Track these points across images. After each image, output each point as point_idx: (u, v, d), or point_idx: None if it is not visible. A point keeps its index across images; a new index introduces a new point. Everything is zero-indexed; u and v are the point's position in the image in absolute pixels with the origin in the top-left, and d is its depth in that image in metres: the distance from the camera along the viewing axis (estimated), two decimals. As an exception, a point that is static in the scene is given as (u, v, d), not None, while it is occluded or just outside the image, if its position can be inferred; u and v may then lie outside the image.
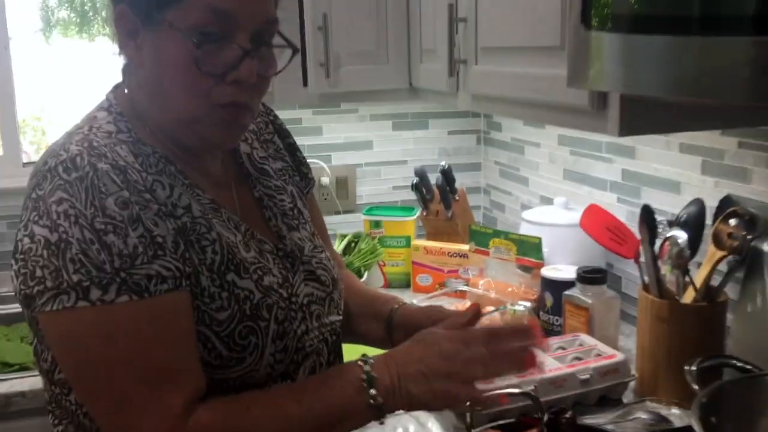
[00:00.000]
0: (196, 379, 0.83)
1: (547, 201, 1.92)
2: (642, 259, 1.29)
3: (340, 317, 1.03)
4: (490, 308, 1.62)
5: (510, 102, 1.36)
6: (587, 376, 1.25)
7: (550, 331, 1.53)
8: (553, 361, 1.28)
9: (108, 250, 0.77)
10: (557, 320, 1.52)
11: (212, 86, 0.85)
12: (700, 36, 0.79)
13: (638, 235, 1.31)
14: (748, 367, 0.93)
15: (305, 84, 1.77)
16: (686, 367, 0.93)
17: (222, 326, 0.85)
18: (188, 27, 0.83)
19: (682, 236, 1.19)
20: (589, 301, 1.41)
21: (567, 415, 0.99)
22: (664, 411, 1.24)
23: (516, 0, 1.26)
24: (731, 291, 1.25)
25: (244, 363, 0.87)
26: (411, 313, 1.06)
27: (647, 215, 1.24)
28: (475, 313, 0.96)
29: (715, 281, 1.25)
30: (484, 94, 1.45)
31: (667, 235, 1.21)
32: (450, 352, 0.87)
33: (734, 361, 0.95)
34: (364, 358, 0.87)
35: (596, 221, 1.36)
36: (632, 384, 1.31)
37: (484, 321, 1.57)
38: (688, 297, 1.25)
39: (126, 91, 0.92)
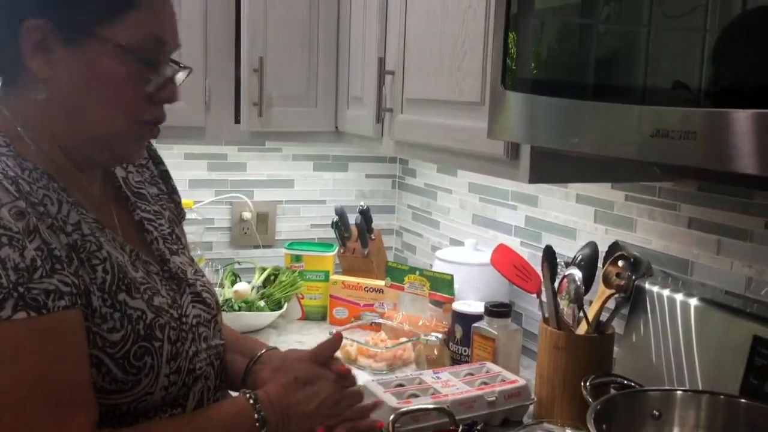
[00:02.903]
0: (95, 404, 0.81)
1: (456, 243, 2.07)
2: (543, 294, 1.45)
3: (223, 342, 1.03)
4: (404, 339, 1.74)
5: (432, 149, 1.51)
6: (493, 398, 1.38)
7: (459, 360, 1.66)
8: (463, 385, 1.41)
9: (2, 264, 0.72)
10: (465, 350, 1.65)
11: (144, 105, 0.87)
12: (592, 101, 0.96)
13: (540, 273, 1.47)
14: (632, 384, 1.08)
15: (237, 121, 1.87)
16: (582, 383, 1.07)
17: (116, 348, 0.83)
18: (128, 45, 0.84)
19: (578, 274, 1.35)
20: (495, 333, 1.56)
21: (478, 428, 1.12)
22: (558, 431, 1.38)
23: (441, 58, 1.42)
24: (617, 325, 1.43)
25: (140, 386, 0.85)
26: (275, 354, 1.09)
27: (549, 255, 1.40)
28: (336, 341, 1.05)
29: (604, 316, 1.43)
30: (407, 140, 1.59)
31: (566, 273, 1.38)
32: (332, 397, 0.96)
33: (620, 379, 1.11)
34: (251, 395, 0.91)
35: (504, 259, 1.52)
36: (531, 408, 1.46)
37: (398, 351, 1.69)
38: (581, 329, 1.41)
39: (4, 105, 0.87)
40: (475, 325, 1.60)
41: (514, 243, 1.83)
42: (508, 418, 1.41)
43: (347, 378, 1.01)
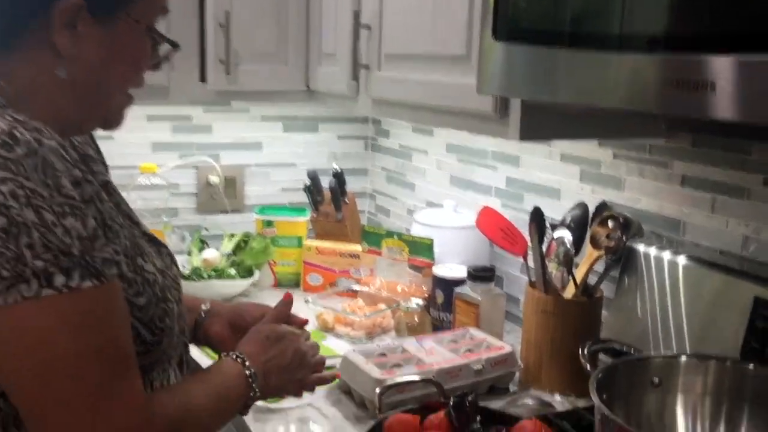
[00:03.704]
0: (138, 367, 0.83)
1: (433, 206, 2.01)
2: (530, 257, 1.40)
3: None
4: (382, 306, 1.68)
5: (412, 107, 1.43)
6: (480, 366, 1.33)
7: (440, 326, 1.61)
8: (448, 353, 1.36)
9: (69, 234, 0.72)
10: (447, 316, 1.60)
11: (142, 77, 0.88)
12: (595, 50, 0.89)
13: (527, 236, 1.41)
14: (630, 350, 1.04)
15: (203, 80, 1.76)
16: (580, 350, 1.02)
17: (143, 311, 0.85)
18: (150, 24, 0.86)
19: (567, 236, 1.30)
20: (479, 298, 1.50)
21: (470, 399, 1.06)
22: (547, 397, 1.34)
23: (422, 10, 1.34)
24: (606, 288, 1.38)
25: (161, 347, 0.88)
26: (224, 308, 1.17)
27: (537, 217, 1.35)
28: (288, 302, 1.13)
29: (592, 279, 1.38)
30: (385, 99, 1.51)
31: (554, 235, 1.32)
32: (301, 349, 1.04)
33: (618, 345, 1.06)
34: (237, 356, 0.97)
35: (490, 222, 1.45)
36: (517, 374, 1.41)
37: (377, 319, 1.63)
38: (569, 293, 1.36)
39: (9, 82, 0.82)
40: (457, 290, 1.55)
41: (494, 204, 1.77)
42: (494, 385, 1.37)
43: (305, 331, 1.11)
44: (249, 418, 1.25)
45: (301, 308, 1.48)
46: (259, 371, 0.97)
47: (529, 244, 1.41)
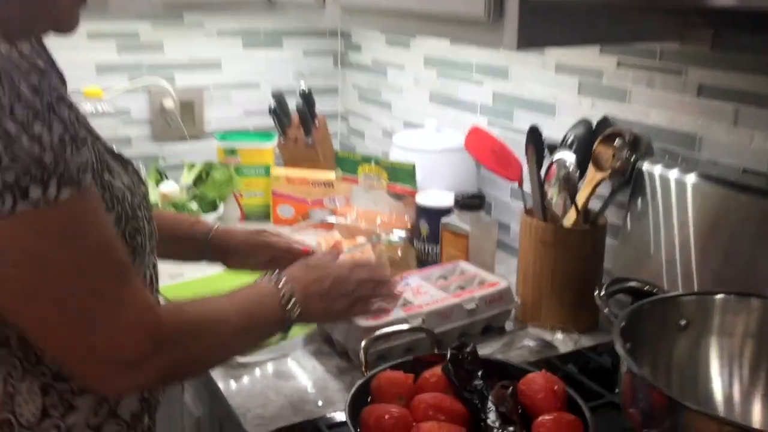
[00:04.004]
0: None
1: (412, 126, 1.84)
2: (526, 182, 1.25)
3: None
4: (362, 240, 1.53)
5: (387, 14, 1.24)
6: (473, 305, 1.19)
7: (426, 260, 1.47)
8: (438, 292, 1.22)
9: (39, 142, 0.65)
10: (433, 249, 1.46)
11: None
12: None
13: (521, 158, 1.26)
14: (647, 289, 0.90)
15: (147, -11, 1.54)
16: (596, 293, 0.89)
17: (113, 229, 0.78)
18: None
19: (570, 158, 1.15)
20: (468, 228, 1.36)
21: (468, 350, 0.93)
22: (548, 336, 1.22)
23: None
24: (611, 215, 1.25)
25: (133, 265, 0.81)
26: (234, 229, 1.20)
27: (535, 137, 1.19)
28: (338, 253, 1.12)
29: (594, 204, 1.24)
30: (356, 6, 1.31)
31: (555, 157, 1.17)
32: (342, 276, 1.01)
33: (634, 283, 0.92)
34: (273, 277, 0.95)
35: (481, 144, 1.29)
36: (513, 311, 1.29)
37: (356, 253, 1.48)
38: (569, 221, 1.22)
39: None
40: (444, 220, 1.40)
41: (480, 124, 1.61)
42: (489, 325, 1.24)
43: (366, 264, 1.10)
44: (217, 374, 1.11)
45: None
46: (299, 294, 0.94)
47: (525, 167, 1.26)
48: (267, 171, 1.79)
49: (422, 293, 1.21)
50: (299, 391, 1.06)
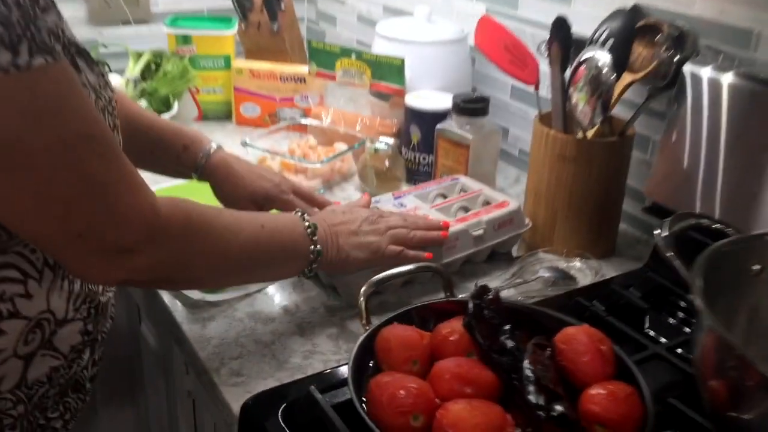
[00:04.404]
0: None
1: (394, 12, 1.60)
2: (544, 84, 1.05)
3: None
4: (341, 146, 1.33)
5: None
6: (480, 231, 1.02)
7: (417, 171, 1.28)
8: (437, 214, 1.04)
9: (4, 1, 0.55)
10: (425, 158, 1.27)
11: None
12: None
13: (540, 56, 1.06)
14: (717, 226, 0.74)
15: None
16: (656, 232, 0.72)
17: None
18: None
19: (604, 57, 0.95)
20: (470, 137, 1.16)
21: (490, 295, 0.76)
22: (561, 263, 1.06)
23: None
24: (644, 126, 1.07)
25: None
26: (236, 158, 1.04)
27: (561, 30, 0.98)
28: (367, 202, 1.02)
29: (623, 113, 1.06)
30: None
31: (584, 56, 0.97)
32: (373, 218, 0.93)
33: (705, 220, 0.76)
34: (298, 212, 0.87)
35: (493, 38, 1.08)
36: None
37: (336, 163, 1.29)
38: (589, 132, 1.04)
39: None
40: (440, 126, 1.20)
41: (476, 10, 1.38)
42: (494, 251, 1.08)
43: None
44: (182, 316, 0.93)
45: (236, 150, 1.12)
46: (325, 226, 0.87)
47: (543, 67, 1.06)
48: (227, 63, 1.55)
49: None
50: (281, 337, 0.89)
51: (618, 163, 1.05)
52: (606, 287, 0.97)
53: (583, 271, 1.05)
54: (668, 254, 0.68)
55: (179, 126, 1.03)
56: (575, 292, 0.97)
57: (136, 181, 0.67)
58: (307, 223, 0.85)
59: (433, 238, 0.97)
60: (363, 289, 0.79)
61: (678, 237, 0.70)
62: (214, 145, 1.01)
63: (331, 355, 0.86)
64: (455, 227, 1.00)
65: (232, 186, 1.01)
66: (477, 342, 0.71)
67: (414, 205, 1.07)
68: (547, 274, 1.02)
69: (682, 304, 0.91)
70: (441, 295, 0.87)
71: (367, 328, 0.76)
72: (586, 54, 0.97)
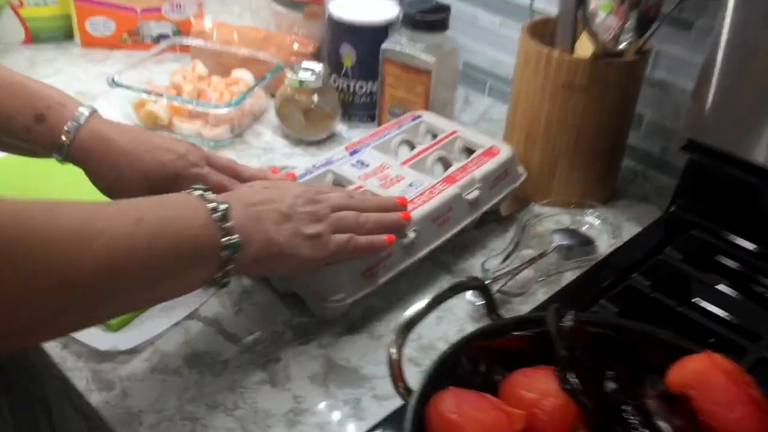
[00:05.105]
0: None
1: None
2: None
3: None
4: (243, 75, 1.00)
5: None
6: (476, 192, 0.77)
7: (352, 104, 0.98)
8: (416, 174, 0.77)
9: None
10: (363, 88, 0.97)
11: None
12: None
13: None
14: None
15: None
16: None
17: None
18: None
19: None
20: (430, 60, 0.88)
21: (568, 321, 0.52)
22: (564, 218, 0.85)
23: None
24: (662, 41, 0.84)
25: None
26: (120, 125, 0.70)
27: None
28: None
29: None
30: None
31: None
32: (309, 194, 0.66)
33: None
34: (195, 189, 0.58)
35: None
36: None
37: (245, 104, 0.97)
38: (586, 49, 0.80)
39: None
40: (386, 46, 0.91)
41: None
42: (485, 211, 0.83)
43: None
44: (85, 384, 0.62)
45: (97, 92, 0.78)
46: (241, 213, 0.59)
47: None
48: (60, -38, 1.13)
49: (394, 182, 0.76)
50: (244, 393, 0.61)
51: (634, 89, 0.83)
52: (636, 248, 0.77)
53: (597, 228, 0.84)
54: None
55: (30, 81, 0.66)
56: (602, 265, 0.76)
57: None
58: (212, 205, 0.57)
59: (393, 222, 0.69)
60: (393, 337, 0.51)
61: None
62: (85, 112, 0.66)
63: (327, 412, 0.60)
64: (447, 192, 0.74)
65: (114, 168, 0.66)
66: (587, 410, 0.48)
67: (380, 162, 0.79)
68: (563, 242, 0.79)
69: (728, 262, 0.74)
70: (438, 288, 0.63)
71: (407, 398, 0.50)
72: (615, -53, 0.71)
